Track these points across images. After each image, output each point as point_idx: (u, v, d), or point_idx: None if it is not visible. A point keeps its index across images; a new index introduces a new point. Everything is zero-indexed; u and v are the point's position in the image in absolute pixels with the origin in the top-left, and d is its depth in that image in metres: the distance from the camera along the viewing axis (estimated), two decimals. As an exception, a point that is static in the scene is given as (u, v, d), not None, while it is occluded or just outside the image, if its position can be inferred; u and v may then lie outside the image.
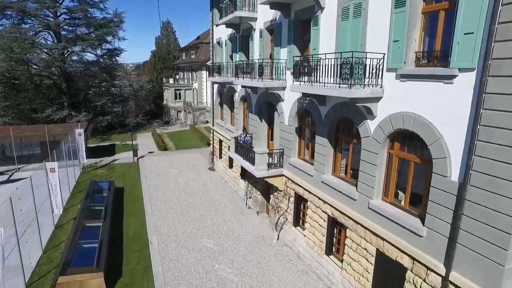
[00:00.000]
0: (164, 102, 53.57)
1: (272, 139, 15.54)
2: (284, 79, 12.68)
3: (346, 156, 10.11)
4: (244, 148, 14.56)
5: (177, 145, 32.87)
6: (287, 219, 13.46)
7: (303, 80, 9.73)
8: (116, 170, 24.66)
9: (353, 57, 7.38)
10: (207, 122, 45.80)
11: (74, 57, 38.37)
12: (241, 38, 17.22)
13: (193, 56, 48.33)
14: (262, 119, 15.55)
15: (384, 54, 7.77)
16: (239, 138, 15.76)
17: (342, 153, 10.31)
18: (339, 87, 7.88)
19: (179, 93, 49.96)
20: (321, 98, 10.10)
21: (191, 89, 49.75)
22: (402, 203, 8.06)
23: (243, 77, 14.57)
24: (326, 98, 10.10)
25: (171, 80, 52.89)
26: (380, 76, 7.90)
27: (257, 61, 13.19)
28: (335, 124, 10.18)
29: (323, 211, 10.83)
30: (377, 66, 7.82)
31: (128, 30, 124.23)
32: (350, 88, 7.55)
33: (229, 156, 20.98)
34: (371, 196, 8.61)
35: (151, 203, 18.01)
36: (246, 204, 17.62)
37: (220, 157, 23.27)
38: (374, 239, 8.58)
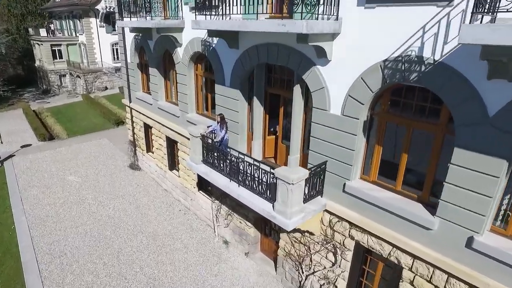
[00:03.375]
0: (37, 63, 38.47)
1: (269, 134, 8.74)
2: (335, 16, 5.76)
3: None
4: (230, 161, 7.40)
5: (69, 129, 22.34)
6: (329, 281, 7.46)
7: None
8: (-40, 190, 14.13)
9: None
10: (106, 88, 34.58)
11: None
12: None
13: (73, -3, 34.40)
14: (254, 98, 8.41)
15: None
16: (209, 136, 8.39)
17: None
18: None
19: (59, 50, 35.90)
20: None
21: (76, 44, 36.27)
22: None
23: (216, 14, 7.00)
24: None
25: (42, 32, 37.56)
26: None
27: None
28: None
29: (467, 306, 5.15)
30: None
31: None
32: None
33: (169, 152, 13.28)
34: None
35: (40, 264, 9.54)
36: (217, 235, 10.84)
37: (150, 151, 15.19)
38: None
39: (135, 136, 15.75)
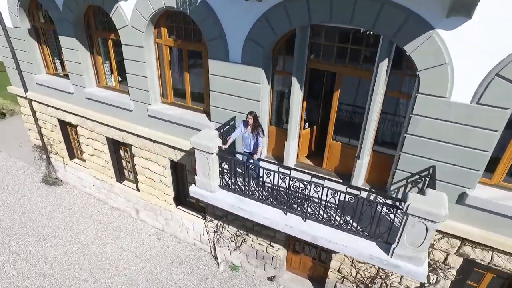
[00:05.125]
0: None
1: (320, 127, 6.26)
2: None
3: None
4: (288, 187, 4.80)
5: None
6: (412, 304, 6.06)
7: None
8: None
9: None
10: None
11: None
12: None
13: None
14: (293, 80, 5.61)
15: None
16: (224, 148, 5.46)
17: None
18: None
19: None
20: None
21: None
22: None
23: None
24: None
25: None
26: None
27: None
28: None
29: None
30: None
31: None
32: None
33: (114, 159, 9.42)
34: None
35: None
36: (220, 261, 8.26)
37: (76, 157, 10.78)
38: None
39: (45, 138, 10.85)
